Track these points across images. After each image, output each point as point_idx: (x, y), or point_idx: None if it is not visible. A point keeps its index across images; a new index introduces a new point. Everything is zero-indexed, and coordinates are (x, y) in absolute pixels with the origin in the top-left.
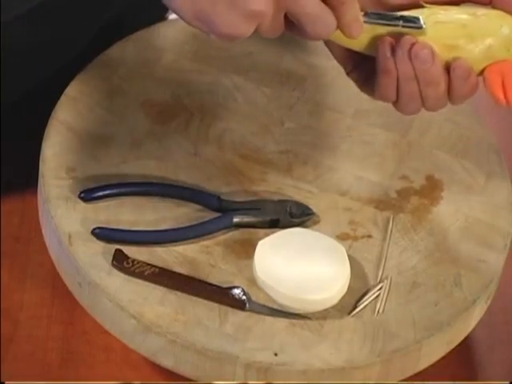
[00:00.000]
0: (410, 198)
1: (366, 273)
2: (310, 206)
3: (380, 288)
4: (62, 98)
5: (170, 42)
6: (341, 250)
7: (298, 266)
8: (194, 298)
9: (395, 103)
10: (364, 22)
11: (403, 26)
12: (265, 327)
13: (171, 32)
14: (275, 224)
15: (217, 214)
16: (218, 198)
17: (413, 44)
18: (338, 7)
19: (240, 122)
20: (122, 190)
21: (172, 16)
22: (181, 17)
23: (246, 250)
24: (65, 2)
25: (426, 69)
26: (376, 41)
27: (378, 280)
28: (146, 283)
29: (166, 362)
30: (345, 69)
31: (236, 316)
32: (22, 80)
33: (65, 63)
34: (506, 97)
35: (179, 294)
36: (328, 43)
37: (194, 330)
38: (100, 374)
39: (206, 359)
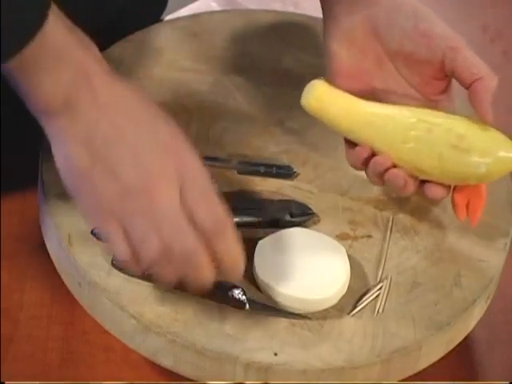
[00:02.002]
0: (410, 198)
1: (366, 273)
2: (310, 206)
3: (380, 288)
4: None
5: (170, 42)
6: (341, 249)
7: (298, 266)
8: (194, 297)
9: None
10: None
11: None
12: (265, 327)
13: (171, 32)
14: (275, 224)
15: None
16: None
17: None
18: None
19: (240, 122)
20: None
21: (169, 16)
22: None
23: (246, 250)
24: (64, 2)
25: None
26: None
27: (378, 280)
28: (146, 283)
29: (166, 361)
30: None
31: (236, 316)
32: None
33: None
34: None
35: (179, 293)
36: None
37: (193, 330)
38: (100, 374)
39: (205, 359)
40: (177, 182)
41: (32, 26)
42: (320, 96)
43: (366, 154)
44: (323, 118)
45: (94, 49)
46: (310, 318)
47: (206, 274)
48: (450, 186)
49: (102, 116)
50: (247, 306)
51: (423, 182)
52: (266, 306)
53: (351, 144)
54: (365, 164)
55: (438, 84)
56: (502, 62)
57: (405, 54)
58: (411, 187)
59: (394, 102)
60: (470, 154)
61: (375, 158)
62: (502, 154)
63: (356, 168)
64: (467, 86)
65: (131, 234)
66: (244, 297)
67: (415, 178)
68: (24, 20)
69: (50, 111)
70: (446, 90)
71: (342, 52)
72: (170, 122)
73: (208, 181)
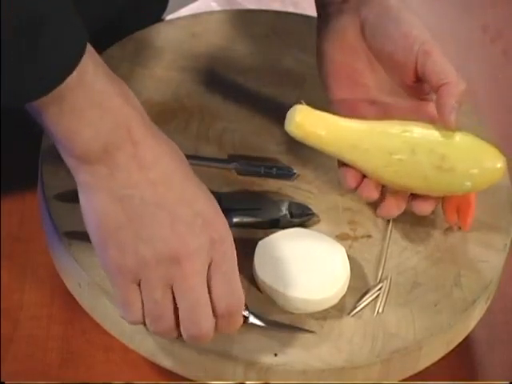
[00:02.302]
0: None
1: (366, 273)
2: (310, 206)
3: (380, 288)
4: None
5: (170, 42)
6: (341, 250)
7: (298, 266)
8: None
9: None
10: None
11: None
12: (265, 327)
13: (171, 32)
14: (275, 224)
15: None
16: (219, 198)
17: None
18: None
19: (240, 122)
20: None
21: (170, 16)
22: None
23: (246, 249)
24: None
25: None
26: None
27: (378, 280)
28: None
29: (166, 362)
30: None
31: None
32: None
33: None
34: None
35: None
36: None
37: None
38: (100, 374)
39: (206, 359)
40: (208, 256)
41: (69, 61)
42: (301, 122)
43: (354, 184)
44: (308, 143)
45: (132, 96)
46: (310, 318)
47: (205, 342)
48: (437, 197)
49: (143, 175)
50: (250, 319)
51: (411, 194)
52: (268, 321)
53: (342, 163)
54: (356, 187)
55: (419, 86)
56: (502, 62)
57: (386, 54)
58: (402, 208)
59: (386, 101)
60: (455, 173)
61: (360, 190)
62: (487, 165)
63: (348, 191)
64: (435, 91)
65: (148, 306)
66: (247, 311)
67: (404, 193)
68: (61, 54)
69: (86, 158)
70: (428, 92)
71: (333, 51)
72: (202, 185)
73: (234, 255)
